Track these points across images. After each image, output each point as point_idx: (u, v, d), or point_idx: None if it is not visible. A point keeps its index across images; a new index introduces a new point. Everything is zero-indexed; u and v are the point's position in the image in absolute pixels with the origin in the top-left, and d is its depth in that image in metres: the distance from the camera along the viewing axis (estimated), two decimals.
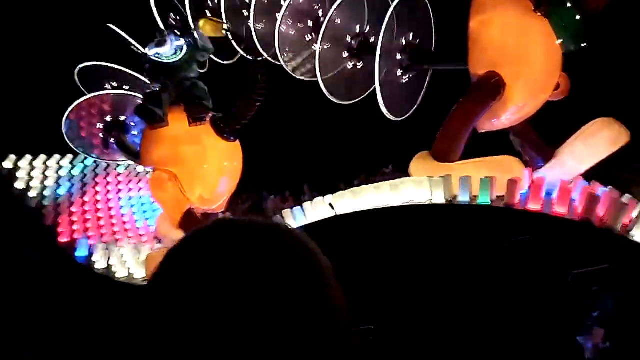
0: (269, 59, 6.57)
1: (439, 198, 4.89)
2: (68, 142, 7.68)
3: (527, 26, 5.07)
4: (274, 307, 0.70)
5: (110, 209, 7.74)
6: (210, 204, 6.79)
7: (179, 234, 7.45)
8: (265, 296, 0.71)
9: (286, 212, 5.48)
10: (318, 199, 5.38)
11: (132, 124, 7.93)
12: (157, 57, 6.40)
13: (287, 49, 6.74)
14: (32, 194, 7.18)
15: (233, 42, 6.95)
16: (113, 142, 7.82)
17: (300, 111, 8.05)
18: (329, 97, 6.40)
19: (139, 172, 8.88)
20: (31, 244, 6.68)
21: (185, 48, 6.43)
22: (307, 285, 0.74)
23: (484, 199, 4.70)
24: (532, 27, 5.04)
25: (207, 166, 6.35)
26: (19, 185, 7.22)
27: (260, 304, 0.70)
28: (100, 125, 7.82)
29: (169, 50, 6.36)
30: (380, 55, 5.61)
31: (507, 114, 5.18)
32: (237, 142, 6.61)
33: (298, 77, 6.90)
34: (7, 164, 7.41)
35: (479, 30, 5.19)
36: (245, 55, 6.54)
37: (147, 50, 6.44)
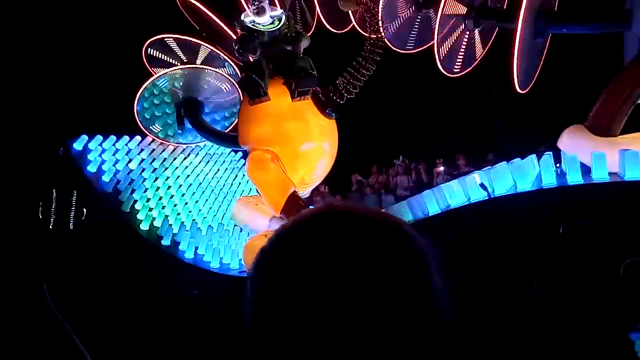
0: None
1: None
2: (139, 123, 7.09)
3: None
4: (376, 305, 0.72)
5: (185, 193, 7.17)
6: (307, 187, 6.22)
7: (262, 221, 6.88)
8: (369, 295, 0.72)
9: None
10: (467, 178, 4.76)
11: (207, 102, 7.38)
12: (253, 26, 5.83)
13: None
14: (106, 177, 6.58)
15: (364, 12, 6.34)
16: (188, 122, 7.24)
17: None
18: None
19: (213, 154, 8.34)
20: (110, 233, 6.10)
21: (283, 18, 5.86)
22: (409, 283, 0.75)
23: None
24: None
25: (311, 145, 5.75)
26: (92, 168, 6.62)
27: (362, 303, 0.72)
28: (173, 105, 7.24)
29: (267, 19, 5.79)
30: None
31: None
32: (334, 121, 6.04)
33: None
34: (78, 145, 6.81)
35: None
36: (369, 26, 5.93)
37: (242, 18, 5.86)
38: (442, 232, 4.51)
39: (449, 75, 6.26)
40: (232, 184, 8.24)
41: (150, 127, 7.24)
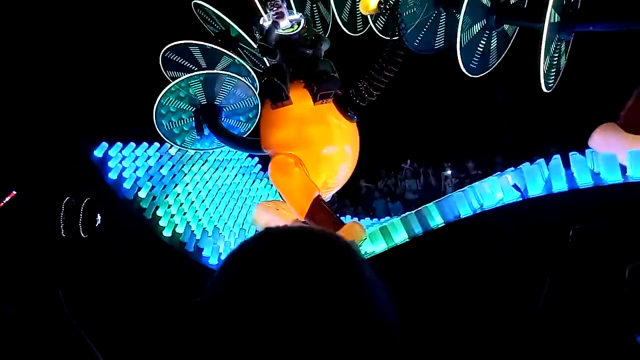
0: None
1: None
2: (158, 130, 7.07)
3: None
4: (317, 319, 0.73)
5: (205, 199, 7.15)
6: (330, 191, 6.16)
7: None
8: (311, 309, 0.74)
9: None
10: (500, 178, 4.67)
11: (225, 107, 7.36)
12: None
13: None
14: (127, 184, 6.56)
15: (385, 16, 6.29)
16: (206, 127, 7.23)
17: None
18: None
19: (230, 159, 8.33)
20: (133, 240, 6.08)
21: (302, 21, 5.83)
22: (346, 300, 0.75)
23: None
24: None
25: (333, 149, 5.70)
26: (113, 175, 6.61)
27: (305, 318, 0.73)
28: (192, 111, 7.23)
29: (287, 23, 5.76)
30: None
31: None
32: (355, 124, 5.99)
33: None
34: (99, 153, 6.81)
35: None
36: (392, 31, 5.87)
37: (261, 23, 5.83)
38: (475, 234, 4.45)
39: (471, 76, 6.18)
40: (250, 189, 8.22)
41: (169, 134, 7.23)
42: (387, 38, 6.81)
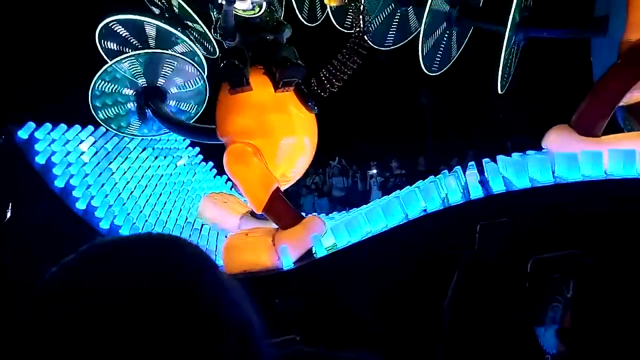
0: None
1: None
2: (93, 112, 6.40)
3: None
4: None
5: (146, 189, 6.60)
6: (286, 184, 5.93)
7: (232, 219, 6.48)
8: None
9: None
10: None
11: (170, 91, 6.85)
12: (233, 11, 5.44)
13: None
14: (57, 170, 5.87)
15: (350, 10, 6.13)
16: (149, 111, 6.68)
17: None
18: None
19: (170, 148, 7.78)
20: (66, 232, 5.43)
21: (263, 5, 5.53)
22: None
23: None
24: None
25: (293, 139, 5.48)
26: (40, 159, 5.87)
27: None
28: (132, 93, 6.64)
29: (248, 5, 5.44)
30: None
31: None
32: (314, 116, 5.81)
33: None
34: (23, 134, 6.02)
35: None
36: (357, 22, 5.72)
37: (221, 2, 5.45)
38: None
39: (429, 74, 6.27)
40: (192, 181, 7.75)
41: (104, 117, 6.58)
42: (346, 30, 6.75)
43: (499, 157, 4.88)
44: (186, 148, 8.50)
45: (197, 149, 8.71)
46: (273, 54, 5.41)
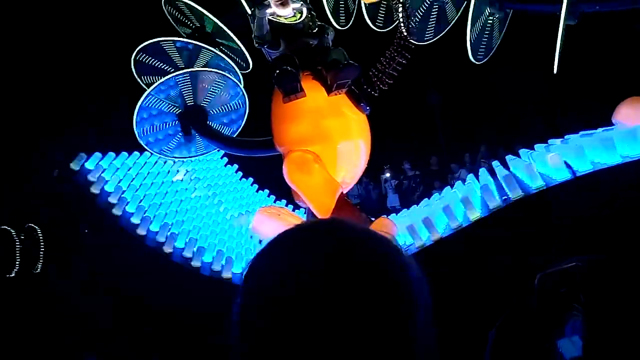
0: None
1: None
2: (138, 139, 6.34)
3: None
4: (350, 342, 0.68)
5: (198, 209, 6.51)
6: (346, 189, 5.80)
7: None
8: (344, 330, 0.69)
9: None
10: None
11: (210, 107, 6.76)
12: (274, 19, 5.37)
13: None
14: (112, 199, 5.80)
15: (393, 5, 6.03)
16: (194, 131, 6.61)
17: None
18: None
19: (209, 168, 7.70)
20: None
21: (304, 10, 5.45)
22: (388, 325, 0.70)
23: None
24: None
25: (351, 142, 5.35)
26: (95, 189, 5.82)
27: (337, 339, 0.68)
28: (175, 114, 6.58)
29: (289, 11, 5.36)
30: None
31: None
32: (366, 117, 5.69)
33: None
34: (75, 165, 5.97)
35: None
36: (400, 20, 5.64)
37: (260, 11, 5.38)
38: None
39: (476, 63, 6.14)
40: (240, 197, 7.66)
41: (147, 141, 6.52)
42: (380, 30, 6.64)
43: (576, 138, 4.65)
44: (225, 166, 8.43)
45: (236, 166, 8.64)
46: (321, 57, 5.31)
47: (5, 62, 5.91)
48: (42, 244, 6.84)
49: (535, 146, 5.31)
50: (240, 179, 8.44)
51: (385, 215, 5.92)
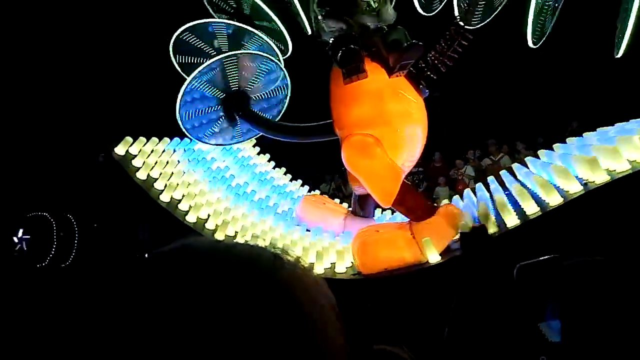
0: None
1: None
2: (181, 125, 6.11)
3: None
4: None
5: (248, 197, 6.29)
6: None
7: (335, 220, 6.17)
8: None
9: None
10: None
11: (253, 91, 6.52)
12: None
13: None
14: (159, 185, 5.58)
15: None
16: (238, 117, 6.38)
17: None
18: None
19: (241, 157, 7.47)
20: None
21: None
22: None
23: None
24: None
25: (412, 126, 5.15)
26: (141, 175, 5.60)
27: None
28: (218, 99, 6.35)
29: None
30: None
31: None
32: (423, 101, 5.48)
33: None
34: (120, 150, 5.74)
35: None
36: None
37: None
38: None
39: (533, 47, 5.91)
40: (278, 186, 7.44)
41: (190, 127, 6.29)
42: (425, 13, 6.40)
43: None
44: (258, 154, 8.21)
45: (268, 155, 8.43)
46: (382, 38, 5.09)
47: (47, 48, 5.69)
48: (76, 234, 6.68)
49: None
50: (274, 169, 8.22)
51: (448, 202, 5.73)
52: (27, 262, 7.12)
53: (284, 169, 8.42)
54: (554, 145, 5.52)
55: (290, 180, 8.24)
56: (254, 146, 8.15)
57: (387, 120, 4.99)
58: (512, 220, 4.50)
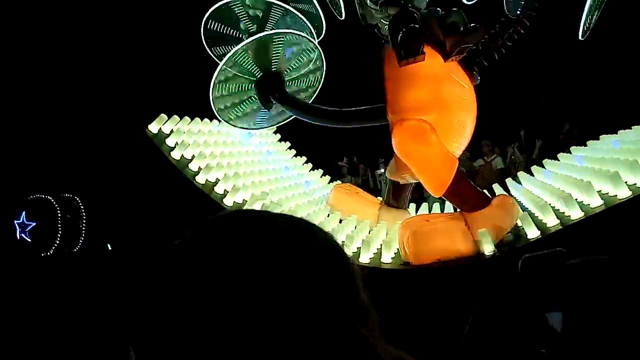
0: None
1: None
2: (213, 107, 5.83)
3: None
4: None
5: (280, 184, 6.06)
6: None
7: (370, 210, 5.98)
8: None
9: None
10: None
11: (287, 72, 6.25)
12: None
13: None
14: (193, 166, 5.30)
15: None
16: (273, 98, 6.12)
17: None
18: None
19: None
20: None
21: None
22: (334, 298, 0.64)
23: None
24: None
25: (464, 113, 4.98)
26: (175, 154, 5.31)
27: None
28: (252, 82, 6.08)
29: None
30: None
31: None
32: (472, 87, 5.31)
33: None
34: (154, 127, 5.43)
35: None
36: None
37: None
38: None
39: (581, 39, 5.81)
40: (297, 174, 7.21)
41: (218, 111, 6.02)
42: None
43: None
44: (279, 141, 7.97)
45: (288, 143, 8.19)
46: (438, 21, 4.91)
47: (79, 29, 5.39)
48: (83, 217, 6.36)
49: None
50: (293, 157, 7.99)
51: (505, 194, 5.59)
52: (32, 250, 6.78)
53: (304, 158, 8.19)
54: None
55: (310, 171, 8.03)
56: (274, 132, 7.91)
57: (443, 106, 4.82)
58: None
